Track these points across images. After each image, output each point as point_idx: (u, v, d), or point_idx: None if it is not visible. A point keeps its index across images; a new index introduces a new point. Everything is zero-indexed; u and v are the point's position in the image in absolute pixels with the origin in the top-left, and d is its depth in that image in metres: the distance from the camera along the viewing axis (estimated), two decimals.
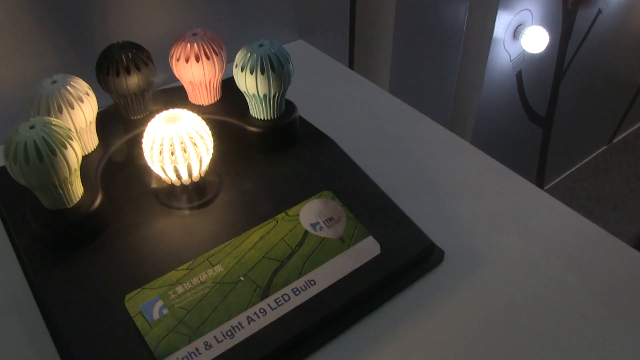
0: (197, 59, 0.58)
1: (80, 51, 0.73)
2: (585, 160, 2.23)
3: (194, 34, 0.58)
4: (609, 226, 1.95)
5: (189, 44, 0.58)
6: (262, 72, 0.54)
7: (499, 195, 0.62)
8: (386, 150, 0.69)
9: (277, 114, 0.58)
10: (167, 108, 0.53)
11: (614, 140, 2.34)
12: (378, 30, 1.12)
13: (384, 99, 0.78)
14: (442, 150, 0.69)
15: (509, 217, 0.59)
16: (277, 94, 0.56)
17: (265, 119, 0.58)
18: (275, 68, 0.54)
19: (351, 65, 1.15)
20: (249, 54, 0.55)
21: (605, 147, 2.31)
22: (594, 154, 2.27)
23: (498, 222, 0.59)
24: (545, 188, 2.07)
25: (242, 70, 0.55)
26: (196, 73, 0.58)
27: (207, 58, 0.58)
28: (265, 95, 0.56)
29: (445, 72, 1.35)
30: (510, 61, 1.47)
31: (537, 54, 1.50)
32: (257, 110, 0.58)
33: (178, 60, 0.58)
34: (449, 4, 1.22)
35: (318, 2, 0.97)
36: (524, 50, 1.45)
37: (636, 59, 2.06)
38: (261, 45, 0.55)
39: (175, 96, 0.62)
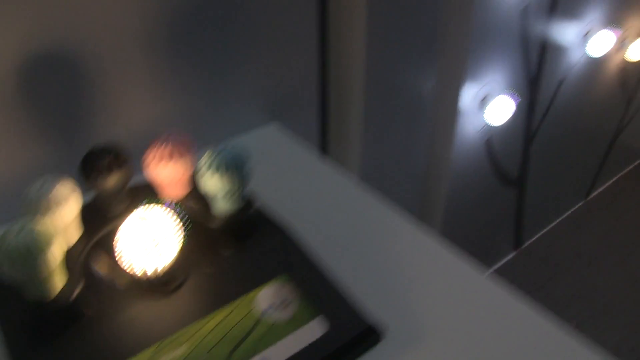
0: (168, 161, 0.66)
1: (69, 146, 0.81)
2: (562, 217, 2.31)
3: (166, 138, 0.67)
4: (585, 282, 2.02)
5: (161, 148, 0.66)
6: (222, 174, 0.62)
7: (447, 280, 0.69)
8: (345, 236, 0.76)
9: (237, 209, 0.66)
10: (141, 203, 0.62)
11: (590, 197, 2.43)
12: (349, 108, 1.21)
13: (351, 188, 0.86)
14: (397, 236, 0.76)
15: (454, 301, 0.66)
16: (236, 193, 0.64)
17: (227, 213, 0.66)
18: (234, 170, 0.63)
19: (324, 143, 1.23)
20: (210, 157, 0.63)
21: (582, 203, 2.39)
22: (570, 211, 2.35)
23: (442, 306, 0.66)
24: (523, 247, 2.14)
25: (204, 172, 0.63)
26: (167, 173, 0.66)
27: (177, 159, 0.66)
28: (225, 194, 0.64)
29: (416, 144, 1.43)
30: (479, 130, 1.56)
31: (505, 121, 1.60)
32: (219, 206, 0.66)
33: (151, 162, 0.66)
34: (416, 78, 1.32)
35: (290, 85, 1.07)
36: (491, 120, 1.54)
37: (602, 120, 2.17)
38: (222, 150, 0.64)
39: (148, 191, 0.70)
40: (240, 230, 0.67)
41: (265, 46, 0.98)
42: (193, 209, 0.68)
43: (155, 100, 0.87)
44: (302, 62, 1.07)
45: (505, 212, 1.95)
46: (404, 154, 1.43)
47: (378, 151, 1.34)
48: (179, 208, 0.67)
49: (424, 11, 1.25)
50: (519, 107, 1.65)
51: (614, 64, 2.01)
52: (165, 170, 0.67)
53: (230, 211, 0.66)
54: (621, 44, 1.99)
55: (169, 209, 0.62)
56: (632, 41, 2.01)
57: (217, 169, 0.63)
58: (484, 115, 1.52)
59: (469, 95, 1.47)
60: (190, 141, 0.68)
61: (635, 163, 2.67)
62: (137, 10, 0.79)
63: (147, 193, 0.70)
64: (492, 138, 1.64)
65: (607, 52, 1.92)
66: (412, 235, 0.76)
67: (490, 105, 1.50)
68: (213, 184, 0.63)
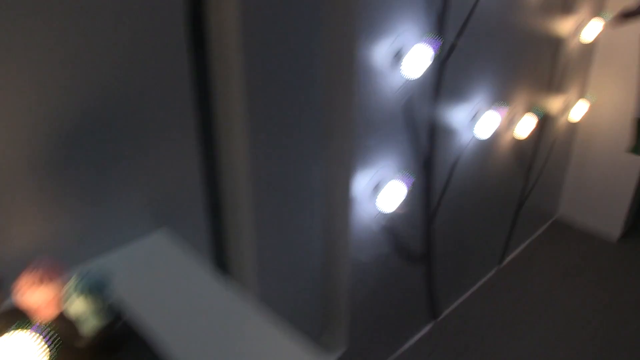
0: (38, 286, 0.70)
1: None
2: (477, 286, 2.41)
3: (37, 263, 0.71)
4: (498, 348, 2.09)
5: (31, 273, 0.71)
6: (85, 297, 0.67)
7: None
8: (217, 345, 0.81)
9: (103, 327, 0.71)
10: (12, 327, 0.65)
11: (504, 263, 2.55)
12: (239, 208, 1.27)
13: (229, 298, 0.91)
14: (270, 347, 0.82)
15: None
16: (100, 312, 0.69)
17: (94, 332, 0.71)
18: (96, 292, 0.68)
19: (217, 245, 1.27)
20: (75, 281, 0.68)
21: (495, 270, 2.50)
22: (485, 278, 2.45)
23: None
24: (440, 318, 2.21)
25: (70, 296, 0.68)
26: (38, 297, 0.71)
27: (47, 284, 0.71)
28: (90, 314, 0.69)
29: (312, 236, 1.49)
30: (376, 215, 1.64)
31: (402, 203, 1.69)
32: (87, 325, 0.70)
33: (22, 287, 0.71)
34: (306, 171, 1.40)
35: (174, 191, 1.12)
36: (386, 204, 1.63)
37: (505, 191, 2.31)
38: (86, 273, 0.69)
39: (20, 315, 0.74)
40: (107, 346, 0.71)
41: (144, 156, 1.04)
42: (62, 330, 0.72)
43: (34, 224, 0.92)
44: (185, 166, 1.13)
45: (417, 287, 2.03)
46: (301, 248, 1.48)
47: (273, 248, 1.39)
48: (47, 331, 0.70)
49: (309, 105, 1.34)
50: (416, 188, 1.76)
51: (506, 139, 2.17)
52: (36, 294, 0.71)
53: (97, 330, 0.70)
54: (510, 121, 2.15)
55: (35, 333, 0.66)
56: (520, 118, 2.17)
57: (81, 292, 0.68)
58: (379, 200, 1.60)
59: (362, 182, 1.55)
60: (60, 265, 0.73)
61: (544, 226, 2.83)
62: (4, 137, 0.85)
63: (19, 317, 0.73)
64: (392, 220, 1.72)
65: (498, 129, 2.07)
66: (288, 350, 0.82)
67: (384, 190, 1.58)
68: (78, 306, 0.68)
